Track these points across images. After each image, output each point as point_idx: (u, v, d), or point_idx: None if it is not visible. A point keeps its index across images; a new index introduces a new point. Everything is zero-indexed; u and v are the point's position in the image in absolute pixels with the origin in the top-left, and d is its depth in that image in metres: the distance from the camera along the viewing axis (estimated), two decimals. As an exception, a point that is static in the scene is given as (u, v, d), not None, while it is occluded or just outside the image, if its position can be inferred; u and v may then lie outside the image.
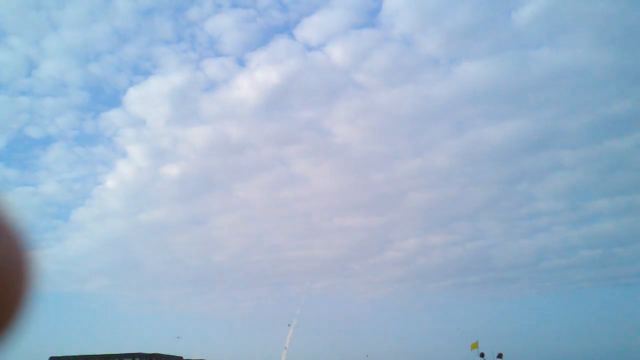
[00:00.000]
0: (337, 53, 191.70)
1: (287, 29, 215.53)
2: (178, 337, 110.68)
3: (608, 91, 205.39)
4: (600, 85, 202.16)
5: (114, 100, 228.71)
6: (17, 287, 0.70)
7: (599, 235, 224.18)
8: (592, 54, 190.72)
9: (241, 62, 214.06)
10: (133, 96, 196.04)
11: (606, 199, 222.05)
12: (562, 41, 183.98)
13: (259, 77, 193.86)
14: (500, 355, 25.33)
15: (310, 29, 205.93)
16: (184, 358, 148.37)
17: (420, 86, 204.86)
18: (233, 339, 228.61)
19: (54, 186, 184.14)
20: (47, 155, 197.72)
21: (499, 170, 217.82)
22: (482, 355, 24.64)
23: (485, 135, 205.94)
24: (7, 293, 0.70)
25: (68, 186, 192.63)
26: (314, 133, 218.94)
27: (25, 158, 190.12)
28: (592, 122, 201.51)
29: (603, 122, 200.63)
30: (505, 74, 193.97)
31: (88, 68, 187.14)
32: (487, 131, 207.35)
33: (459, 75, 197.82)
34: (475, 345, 25.35)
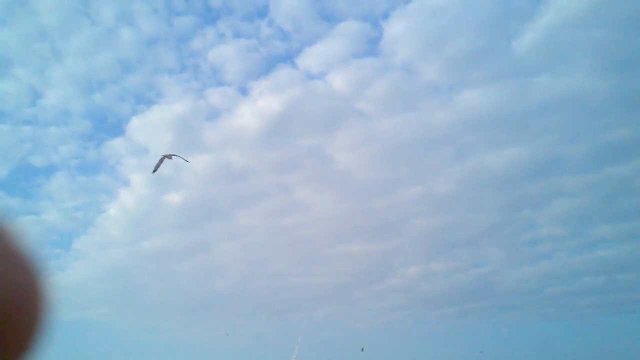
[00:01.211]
0: (339, 81, 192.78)
1: (288, 58, 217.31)
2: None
3: (608, 118, 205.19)
4: (600, 112, 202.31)
5: (117, 129, 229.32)
6: (32, 313, 0.70)
7: (601, 262, 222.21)
8: (592, 81, 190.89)
9: (243, 91, 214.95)
10: (136, 125, 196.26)
11: (608, 225, 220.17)
12: (561, 69, 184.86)
13: (261, 105, 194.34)
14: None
15: (311, 58, 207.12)
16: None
17: (421, 113, 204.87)
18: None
19: (55, 215, 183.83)
20: (50, 184, 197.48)
21: (500, 197, 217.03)
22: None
23: (487, 162, 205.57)
24: (23, 320, 0.69)
25: (70, 215, 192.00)
26: (316, 160, 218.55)
27: (28, 187, 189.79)
28: (592, 148, 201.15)
29: (604, 148, 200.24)
30: (505, 101, 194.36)
31: (92, 97, 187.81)
32: (488, 158, 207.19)
33: (460, 103, 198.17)
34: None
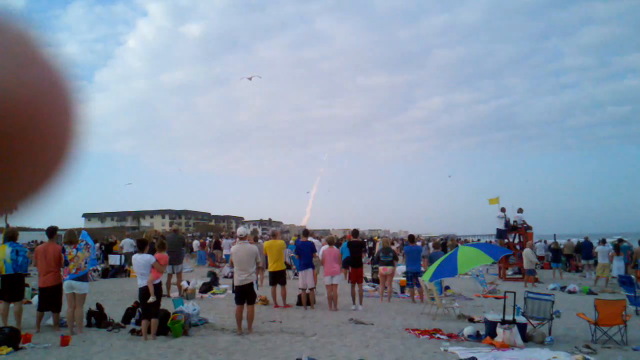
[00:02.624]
0: None
1: None
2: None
3: None
4: None
5: None
6: (66, 131, 0.66)
7: (628, 91, 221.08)
8: None
9: None
10: None
11: (637, 53, 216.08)
12: None
13: None
14: (520, 210, 26.39)
15: None
16: (212, 214, 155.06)
17: None
18: (259, 196, 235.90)
19: (76, 47, 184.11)
20: (67, 15, 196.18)
21: (527, 26, 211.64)
22: (503, 210, 25.73)
23: None
24: (56, 131, 0.65)
25: (90, 46, 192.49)
26: None
27: (46, 18, 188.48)
28: None
29: None
30: None
31: None
32: None
33: None
34: (495, 201, 26.34)
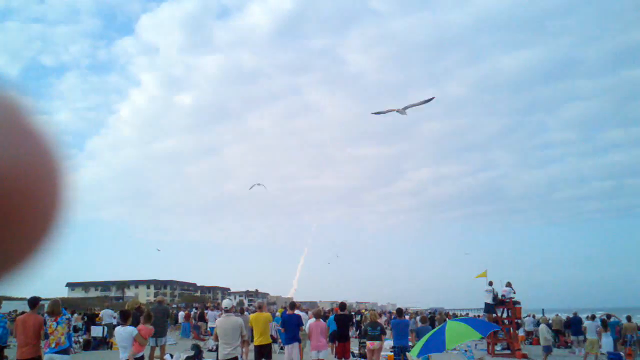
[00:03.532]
0: None
1: None
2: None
3: (628, 19, 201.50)
4: (621, 13, 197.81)
5: (127, 27, 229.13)
6: (53, 199, 0.64)
7: (611, 166, 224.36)
8: None
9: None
10: (146, 23, 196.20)
11: (620, 129, 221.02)
12: None
13: (272, 3, 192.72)
14: (508, 284, 26.29)
15: None
16: (198, 285, 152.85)
17: (436, 13, 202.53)
18: (246, 266, 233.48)
19: (68, 115, 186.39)
20: (61, 83, 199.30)
21: (513, 100, 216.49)
22: (490, 283, 25.65)
23: (501, 65, 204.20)
24: (43, 201, 0.63)
25: (82, 115, 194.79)
26: (328, 61, 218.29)
27: (39, 86, 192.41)
28: (610, 51, 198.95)
29: (621, 51, 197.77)
30: (523, 1, 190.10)
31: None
32: (502, 60, 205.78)
33: (476, 2, 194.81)
34: (483, 275, 26.28)
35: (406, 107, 27.97)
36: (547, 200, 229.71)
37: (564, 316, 33.39)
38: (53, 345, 11.06)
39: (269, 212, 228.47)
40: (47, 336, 11.15)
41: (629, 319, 26.83)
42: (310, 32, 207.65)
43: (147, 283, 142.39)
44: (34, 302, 11.86)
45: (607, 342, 22.63)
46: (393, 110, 28.58)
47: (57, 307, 11.57)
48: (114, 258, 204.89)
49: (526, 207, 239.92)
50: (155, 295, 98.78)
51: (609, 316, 26.42)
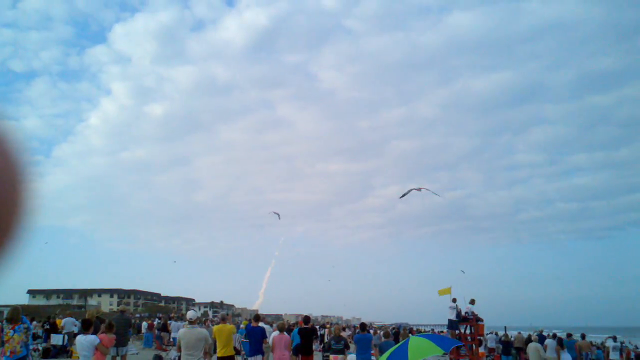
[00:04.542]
0: None
1: None
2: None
3: (593, 47, 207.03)
4: (587, 40, 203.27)
5: (100, 36, 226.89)
6: (13, 205, 0.65)
7: (576, 189, 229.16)
8: (581, 8, 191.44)
9: (230, 2, 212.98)
10: (119, 33, 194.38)
11: (585, 153, 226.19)
12: None
13: (248, 18, 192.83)
14: (472, 301, 26.56)
15: None
16: (162, 295, 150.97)
17: (410, 34, 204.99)
18: (212, 277, 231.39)
19: (36, 121, 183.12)
20: (31, 89, 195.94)
21: (481, 122, 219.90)
22: (454, 300, 25.90)
23: (471, 86, 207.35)
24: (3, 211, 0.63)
25: (50, 122, 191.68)
26: (301, 77, 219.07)
27: (8, 91, 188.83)
28: (576, 76, 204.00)
29: (587, 77, 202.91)
30: (494, 25, 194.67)
31: (74, 2, 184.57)
32: (473, 82, 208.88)
33: (449, 25, 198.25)
34: (446, 291, 26.49)
35: (422, 188, 34.83)
36: (513, 220, 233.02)
37: (525, 334, 33.80)
38: (8, 354, 10.86)
39: (237, 224, 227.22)
40: (2, 344, 10.96)
41: (583, 336, 27.33)
42: (284, 48, 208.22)
43: (111, 292, 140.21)
44: (-9, 309, 11.65)
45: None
46: (413, 189, 34.75)
47: (17, 314, 11.38)
48: (78, 266, 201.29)
49: (492, 226, 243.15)
50: (119, 304, 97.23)
51: (569, 335, 26.85)
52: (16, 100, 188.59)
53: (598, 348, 30.68)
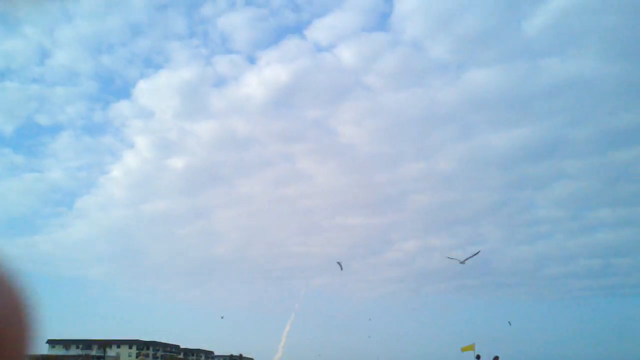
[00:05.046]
0: (347, 54, 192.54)
1: (298, 29, 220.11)
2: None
3: (613, 103, 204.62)
4: (606, 96, 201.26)
5: (124, 91, 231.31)
6: (16, 345, 0.65)
7: (599, 245, 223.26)
8: (600, 65, 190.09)
9: (251, 60, 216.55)
10: (143, 88, 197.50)
11: (607, 209, 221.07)
12: (571, 52, 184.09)
13: (268, 74, 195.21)
14: (496, 358, 25.93)
15: (321, 30, 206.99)
16: (181, 347, 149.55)
17: (428, 90, 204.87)
18: (231, 330, 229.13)
19: (59, 173, 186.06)
20: (55, 142, 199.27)
21: (501, 177, 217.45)
22: (478, 357, 25.32)
23: (491, 142, 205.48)
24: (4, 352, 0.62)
25: (74, 174, 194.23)
26: (320, 132, 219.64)
27: (33, 145, 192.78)
28: (596, 132, 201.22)
29: (607, 133, 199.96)
30: (513, 82, 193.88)
31: (100, 59, 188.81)
32: (492, 138, 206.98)
33: (467, 81, 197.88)
34: (470, 348, 25.95)
35: (465, 258, 40.35)
36: (535, 276, 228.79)
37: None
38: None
39: (256, 277, 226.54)
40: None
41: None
42: (304, 103, 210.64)
43: (130, 343, 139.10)
44: None
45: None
46: (456, 260, 39.96)
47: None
48: (97, 316, 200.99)
49: (514, 282, 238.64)
50: (137, 355, 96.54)
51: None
52: (41, 153, 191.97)
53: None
